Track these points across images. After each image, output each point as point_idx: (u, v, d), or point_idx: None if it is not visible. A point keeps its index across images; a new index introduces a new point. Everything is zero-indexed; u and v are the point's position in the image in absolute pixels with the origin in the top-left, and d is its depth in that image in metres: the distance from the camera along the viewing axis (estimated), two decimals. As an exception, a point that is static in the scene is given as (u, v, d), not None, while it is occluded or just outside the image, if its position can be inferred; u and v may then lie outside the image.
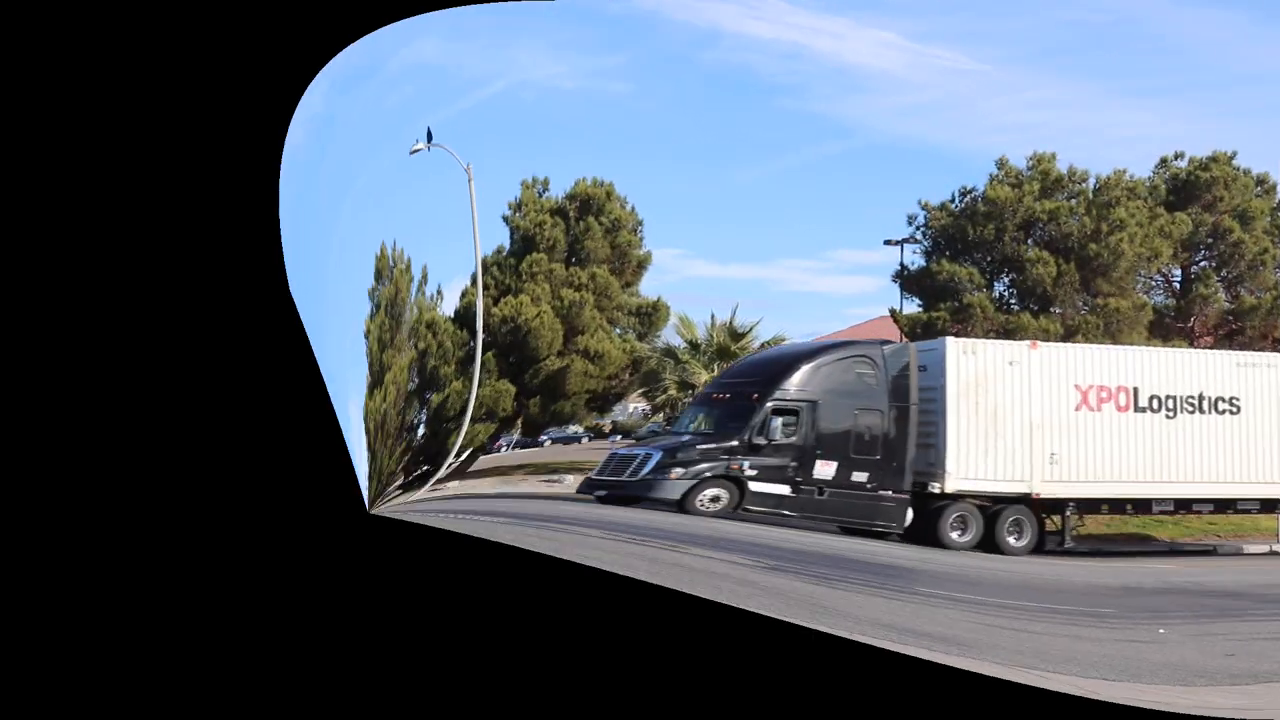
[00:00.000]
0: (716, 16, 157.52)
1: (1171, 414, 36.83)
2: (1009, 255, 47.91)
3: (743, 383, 34.63)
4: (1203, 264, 50.83)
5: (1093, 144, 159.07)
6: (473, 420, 45.61)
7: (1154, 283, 51.59)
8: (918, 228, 50.63)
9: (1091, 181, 49.37)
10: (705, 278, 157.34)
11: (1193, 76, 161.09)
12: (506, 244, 49.73)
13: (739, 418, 33.41)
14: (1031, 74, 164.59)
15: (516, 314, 45.67)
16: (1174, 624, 18.39)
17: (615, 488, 31.13)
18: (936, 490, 34.38)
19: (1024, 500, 35.14)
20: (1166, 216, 48.32)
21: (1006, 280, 49.03)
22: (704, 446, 32.81)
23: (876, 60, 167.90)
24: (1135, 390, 36.63)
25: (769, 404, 33.07)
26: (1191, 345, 48.69)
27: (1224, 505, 38.23)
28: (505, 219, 50.09)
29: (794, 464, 32.85)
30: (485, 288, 44.91)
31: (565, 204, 49.45)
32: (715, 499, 31.88)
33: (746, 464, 32.13)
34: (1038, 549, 35.29)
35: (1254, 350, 50.91)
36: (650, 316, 49.57)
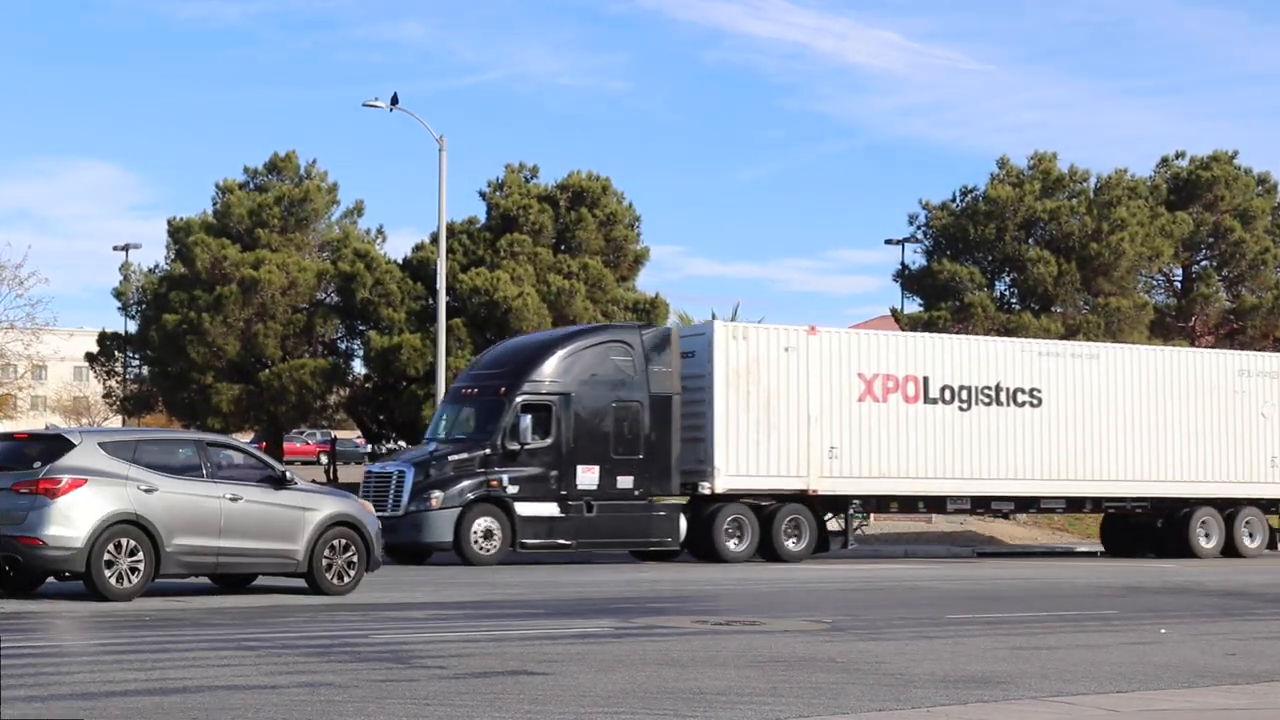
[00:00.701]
0: (719, 16, 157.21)
1: (965, 405, 34.12)
2: (1010, 254, 47.93)
3: (490, 375, 31.40)
4: (1204, 263, 50.86)
5: (1094, 143, 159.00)
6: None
7: (1155, 282, 51.62)
8: (919, 227, 50.68)
9: (1092, 181, 49.41)
10: (706, 276, 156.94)
11: (1194, 76, 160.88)
12: (482, 217, 49.82)
13: (488, 418, 30.40)
14: (1033, 74, 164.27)
15: (492, 287, 45.55)
16: (1175, 624, 18.42)
17: (391, 529, 27.65)
18: (707, 491, 31.83)
19: (801, 498, 32.70)
20: (1167, 216, 48.35)
21: (1007, 279, 49.05)
22: (456, 458, 29.93)
23: (878, 60, 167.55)
24: (925, 380, 33.89)
25: (518, 399, 30.20)
26: (1193, 344, 48.78)
27: (1026, 504, 36.13)
28: (482, 195, 50.17)
29: (554, 473, 30.18)
30: (451, 251, 44.71)
31: (556, 193, 49.49)
32: (489, 534, 29.35)
33: (505, 478, 29.66)
34: (819, 550, 32.93)
35: (1254, 350, 51.12)
36: (649, 313, 49.55)
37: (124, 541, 18.62)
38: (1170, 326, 49.54)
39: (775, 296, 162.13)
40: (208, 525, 19.28)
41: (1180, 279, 51.39)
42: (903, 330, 51.47)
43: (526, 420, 29.97)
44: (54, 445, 19.19)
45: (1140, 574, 29.93)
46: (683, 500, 31.72)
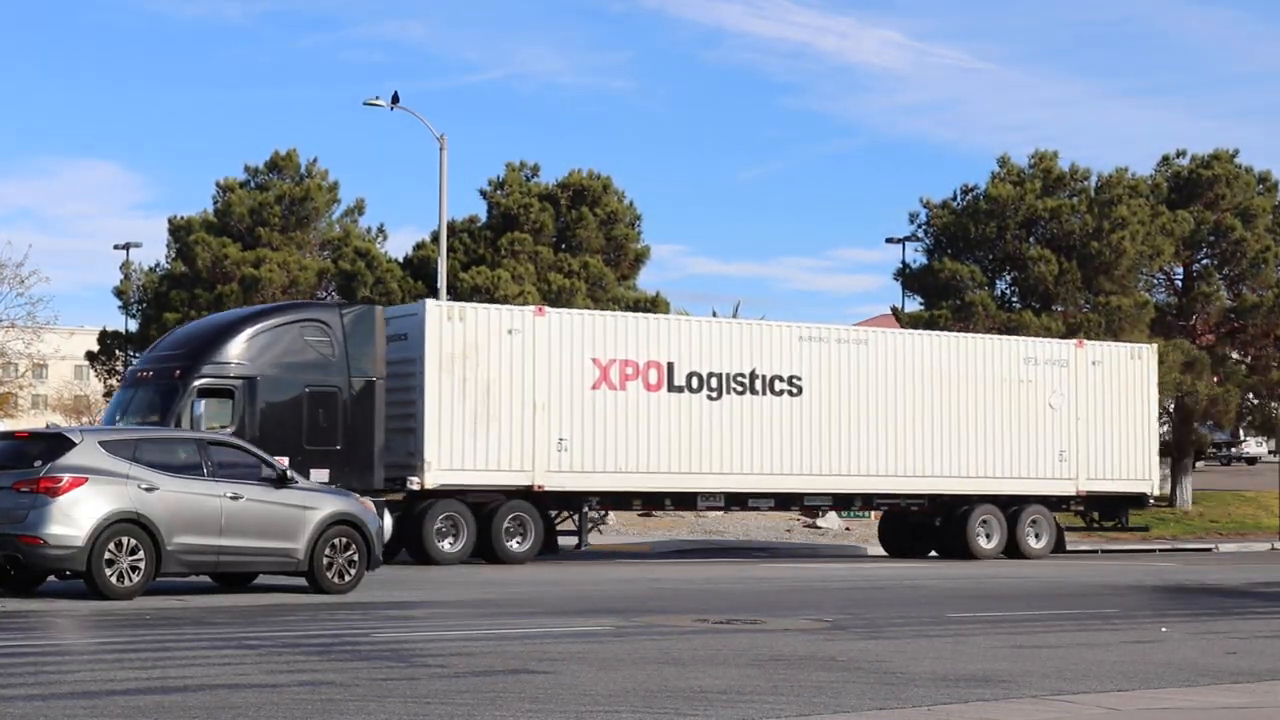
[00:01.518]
0: (721, 15, 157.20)
1: (715, 394, 31.45)
2: (1011, 253, 47.91)
3: (168, 357, 28.03)
4: (1204, 262, 50.82)
5: (1095, 142, 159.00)
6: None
7: (1156, 281, 51.56)
8: (919, 226, 50.63)
9: (1093, 179, 49.37)
10: (708, 275, 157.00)
11: (1195, 75, 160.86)
12: (483, 215, 49.81)
13: (162, 404, 27.01)
14: (1034, 73, 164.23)
15: (493, 286, 45.53)
16: (1176, 622, 18.41)
17: None
18: (417, 486, 29.11)
19: (525, 494, 29.95)
20: (1168, 214, 48.31)
21: (1008, 278, 49.01)
22: None
23: (880, 59, 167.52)
24: (670, 366, 31.11)
25: (195, 383, 26.89)
26: (1193, 343, 48.73)
27: (788, 500, 33.51)
28: (483, 193, 50.15)
29: None
30: (451, 250, 44.57)
31: (557, 191, 49.48)
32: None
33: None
34: (546, 551, 30.35)
35: (1254, 349, 51.09)
36: (649, 312, 49.51)
37: (125, 540, 18.64)
38: (1171, 325, 49.51)
39: (777, 295, 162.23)
40: (208, 524, 19.30)
41: (1181, 278, 51.35)
42: (903, 329, 51.52)
43: (203, 406, 26.75)
44: (55, 444, 19.19)
45: (1141, 573, 29.93)
46: (397, 496, 28.97)
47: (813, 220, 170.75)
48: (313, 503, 20.37)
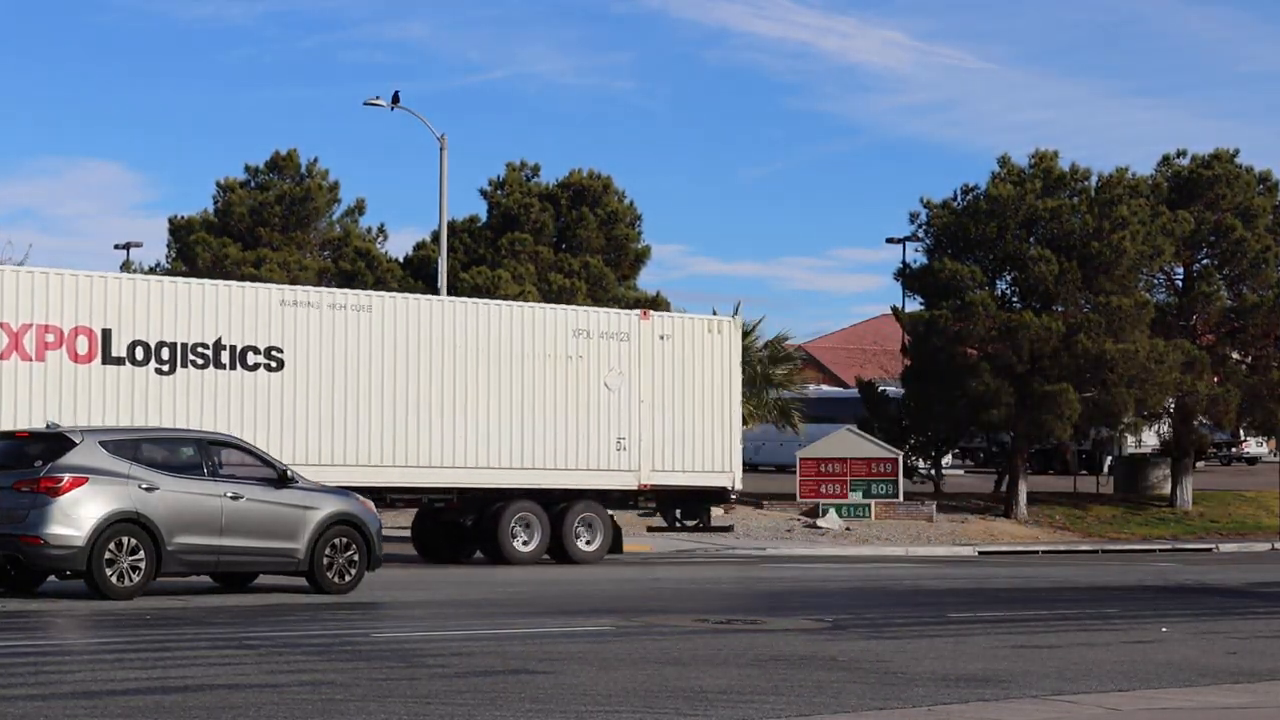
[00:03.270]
0: (723, 16, 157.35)
1: (167, 367, 26.73)
2: (1011, 253, 47.86)
3: None
4: (1205, 262, 50.77)
5: (1097, 142, 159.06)
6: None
7: (1156, 280, 51.52)
8: (920, 225, 50.58)
9: (1094, 179, 49.34)
10: (710, 275, 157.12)
11: (1196, 76, 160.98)
12: (483, 215, 49.82)
13: None
14: (1036, 73, 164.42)
15: (493, 286, 45.54)
16: (1176, 622, 18.41)
17: None
18: None
19: None
20: (1169, 214, 48.26)
21: (1008, 278, 48.95)
22: None
23: (882, 59, 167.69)
24: (106, 333, 26.39)
25: None
26: (1194, 343, 48.69)
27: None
28: (483, 193, 50.14)
29: None
30: (452, 250, 44.51)
31: (557, 191, 49.47)
32: None
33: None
34: None
35: (1254, 349, 51.05)
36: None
37: (125, 540, 18.66)
38: (1171, 325, 49.47)
39: (778, 295, 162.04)
40: (209, 524, 19.30)
41: (1181, 277, 51.29)
42: (903, 331, 51.47)
43: None
44: (55, 444, 19.17)
45: (1141, 572, 29.92)
46: None
47: (814, 220, 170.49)
48: (313, 502, 20.39)
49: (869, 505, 43.69)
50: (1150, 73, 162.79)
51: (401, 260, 49.84)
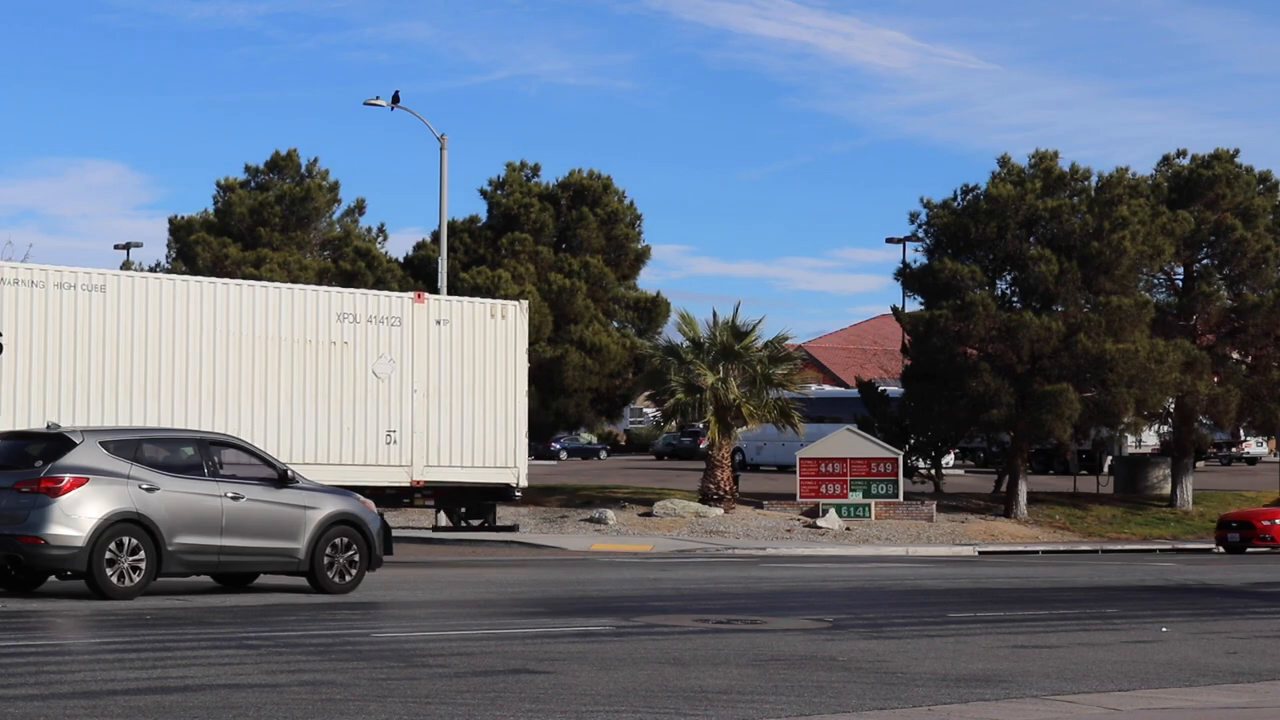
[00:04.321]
0: (725, 16, 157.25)
1: None
2: (1011, 253, 47.88)
3: None
4: (1205, 261, 50.80)
5: (1098, 143, 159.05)
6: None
7: (1156, 280, 51.55)
8: (920, 225, 50.62)
9: (1094, 179, 49.36)
10: (711, 275, 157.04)
11: (1197, 76, 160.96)
12: (484, 215, 49.84)
13: None
14: (1038, 73, 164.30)
15: (493, 286, 45.60)
16: (1176, 622, 18.41)
17: None
18: None
19: None
20: (1169, 214, 48.28)
21: (1009, 278, 48.98)
22: None
23: (884, 60, 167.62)
24: None
25: None
26: (1194, 343, 48.69)
27: None
28: (483, 193, 50.18)
29: None
30: (452, 249, 44.53)
31: (557, 191, 49.50)
32: None
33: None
34: None
35: (1254, 349, 51.02)
36: (650, 311, 49.51)
37: (125, 540, 18.71)
38: (1171, 325, 49.49)
39: (779, 295, 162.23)
40: (209, 524, 19.37)
41: (1181, 277, 51.33)
42: (903, 331, 51.48)
43: None
44: (56, 444, 19.22)
45: (1141, 572, 29.94)
46: None
47: (816, 220, 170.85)
48: (313, 502, 20.44)
49: (869, 505, 43.72)
50: (1151, 73, 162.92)
51: (402, 260, 49.86)
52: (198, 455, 19.84)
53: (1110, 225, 46.57)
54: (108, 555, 18.61)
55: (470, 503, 30.33)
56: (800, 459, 44.58)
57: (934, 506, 45.10)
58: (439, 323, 29.12)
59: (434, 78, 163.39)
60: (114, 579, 18.64)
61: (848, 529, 42.42)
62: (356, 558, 20.57)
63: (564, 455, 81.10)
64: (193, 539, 19.23)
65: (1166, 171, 51.35)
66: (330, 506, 20.59)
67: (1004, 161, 49.67)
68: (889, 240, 58.66)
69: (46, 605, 18.13)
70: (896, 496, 44.17)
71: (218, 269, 48.66)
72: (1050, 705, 11.25)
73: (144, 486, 18.97)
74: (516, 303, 31.07)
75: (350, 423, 28.02)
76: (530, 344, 46.35)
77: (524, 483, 30.28)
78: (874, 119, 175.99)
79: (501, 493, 30.18)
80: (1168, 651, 14.98)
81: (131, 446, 19.42)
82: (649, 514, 42.59)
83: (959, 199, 49.57)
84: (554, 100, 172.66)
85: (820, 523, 42.44)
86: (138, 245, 62.28)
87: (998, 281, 49.03)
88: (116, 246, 63.67)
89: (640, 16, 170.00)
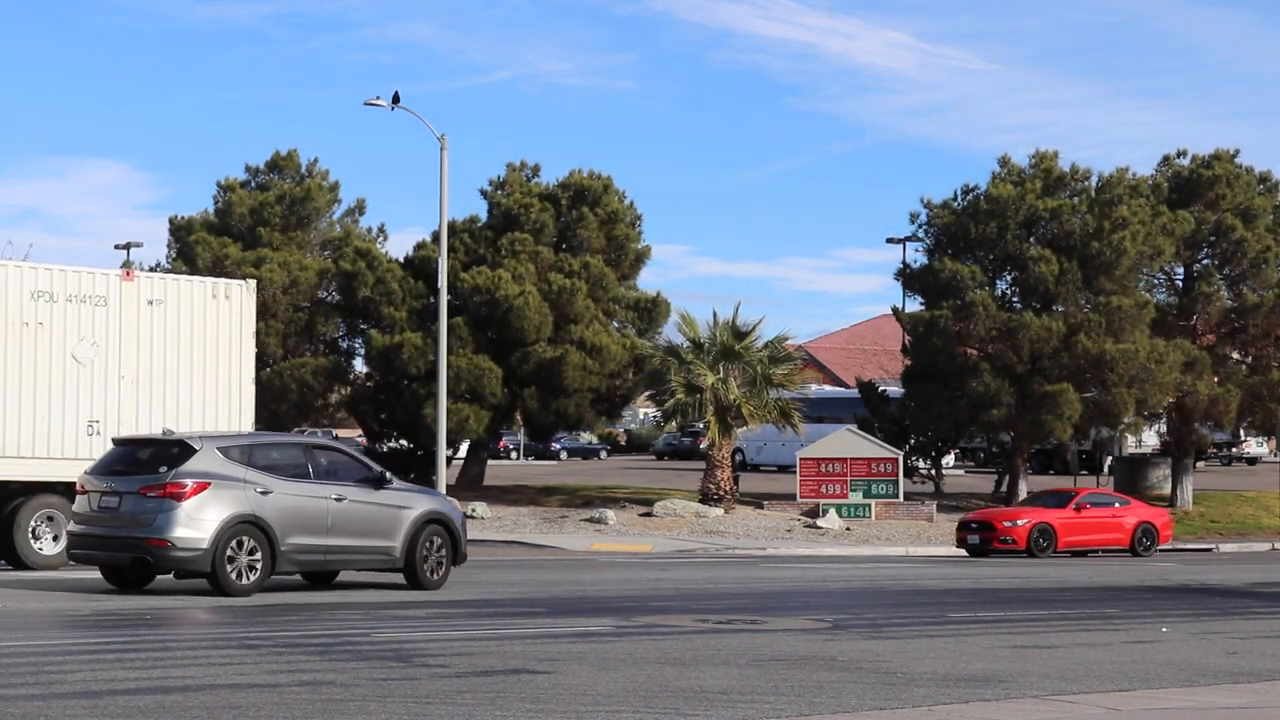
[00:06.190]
0: (728, 17, 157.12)
1: None
2: (1011, 253, 47.88)
3: None
4: (1205, 262, 50.78)
5: (1098, 143, 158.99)
6: (454, 396, 45.29)
7: (1156, 280, 51.55)
8: (920, 226, 50.62)
9: (1094, 179, 49.36)
10: (713, 275, 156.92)
11: (1197, 77, 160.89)
12: (484, 215, 49.84)
13: None
14: (1039, 74, 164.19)
15: (493, 286, 45.57)
16: (1176, 623, 18.40)
17: None
18: None
19: None
20: (1169, 214, 48.27)
21: (1009, 278, 48.98)
22: None
23: (886, 60, 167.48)
24: None
25: None
26: (1194, 343, 48.69)
27: None
28: (483, 193, 50.17)
29: None
30: (452, 250, 44.55)
31: (557, 191, 49.48)
32: None
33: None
34: None
35: (1255, 349, 51.01)
36: (650, 312, 49.48)
37: (243, 541, 19.64)
38: (1172, 325, 49.48)
39: (780, 295, 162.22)
40: (317, 524, 20.36)
41: (1182, 277, 51.33)
42: (903, 331, 51.46)
43: None
44: (177, 450, 19.99)
45: (1141, 572, 29.93)
46: None
47: (817, 221, 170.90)
48: (408, 502, 21.46)
49: (869, 505, 43.72)
50: (1151, 74, 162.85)
51: (402, 260, 49.85)
52: (303, 458, 20.75)
53: (1110, 225, 46.56)
54: (228, 555, 19.46)
55: None
56: (800, 459, 44.57)
57: (934, 507, 45.09)
58: (152, 303, 26.46)
59: (436, 78, 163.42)
60: (234, 577, 19.50)
61: (848, 529, 42.42)
62: (444, 554, 21.60)
63: (564, 455, 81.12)
64: (302, 539, 20.16)
65: (1167, 172, 51.34)
66: (423, 506, 21.59)
67: (1004, 162, 49.68)
68: (889, 240, 58.65)
69: (46, 605, 18.14)
70: (897, 497, 44.17)
71: (218, 269, 48.67)
72: (1050, 705, 11.25)
73: (259, 490, 19.83)
74: (242, 283, 28.19)
75: (46, 412, 25.28)
76: (530, 344, 46.52)
77: None
78: (876, 119, 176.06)
79: None
80: (1168, 652, 14.98)
81: (245, 451, 20.29)
82: (649, 514, 42.59)
83: (959, 199, 49.58)
84: (556, 100, 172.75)
85: (820, 523, 42.44)
86: (138, 245, 62.26)
87: (998, 282, 49.03)
88: (116, 246, 63.66)
89: (642, 17, 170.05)
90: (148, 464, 19.95)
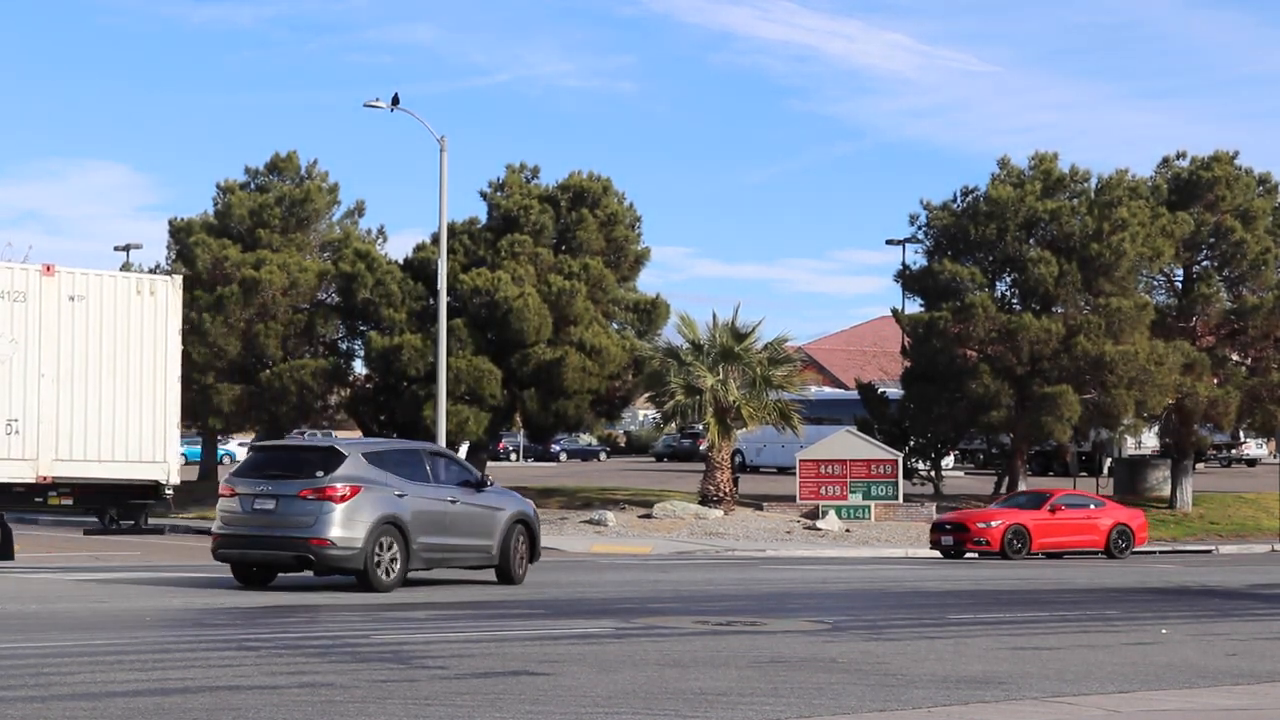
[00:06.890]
0: (728, 19, 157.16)
1: None
2: (1011, 255, 47.90)
3: None
4: (1205, 263, 50.81)
5: (1098, 144, 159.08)
6: (454, 398, 45.27)
7: (1156, 282, 51.56)
8: (920, 227, 50.64)
9: (1094, 181, 49.37)
10: (713, 277, 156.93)
11: (1197, 78, 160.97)
12: (483, 217, 49.86)
13: None
14: (1040, 75, 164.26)
15: (493, 288, 45.58)
16: (1176, 624, 18.40)
17: None
18: None
19: None
20: (1168, 216, 48.29)
21: (1008, 280, 49.00)
22: None
23: (887, 62, 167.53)
24: None
25: None
26: (1194, 345, 48.71)
27: None
28: (483, 195, 50.19)
29: None
30: (452, 251, 44.57)
31: (557, 193, 49.49)
32: None
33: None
34: None
35: (1254, 351, 51.03)
36: (649, 313, 49.48)
37: (386, 540, 20.91)
38: (1171, 327, 49.50)
39: (780, 297, 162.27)
40: (439, 525, 21.76)
41: (1181, 279, 51.35)
42: (903, 332, 51.47)
43: None
44: (328, 456, 21.26)
45: (1141, 574, 29.93)
46: None
47: (817, 222, 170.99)
48: (501, 504, 22.93)
49: (869, 507, 43.72)
50: (1151, 75, 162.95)
51: (401, 262, 49.85)
52: (424, 464, 22.13)
53: (1110, 227, 46.58)
54: (375, 554, 20.73)
55: (120, 503, 26.48)
56: (800, 460, 44.56)
57: (934, 508, 45.08)
58: (73, 299, 25.47)
59: (436, 79, 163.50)
60: (381, 575, 20.78)
61: (847, 531, 42.41)
62: (525, 552, 23.16)
63: (564, 457, 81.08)
64: (429, 539, 21.52)
65: (1166, 173, 51.35)
66: (512, 507, 23.04)
67: (1004, 163, 49.70)
68: (889, 242, 58.65)
69: (45, 606, 18.14)
70: (896, 498, 44.16)
71: (217, 270, 48.71)
72: (1050, 707, 11.25)
73: (397, 493, 21.15)
74: (168, 279, 27.26)
75: None
76: (530, 346, 46.53)
77: (175, 480, 26.59)
78: (876, 121, 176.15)
79: (150, 490, 26.34)
80: (1168, 653, 14.97)
81: (382, 457, 21.63)
82: (649, 516, 42.59)
83: (959, 201, 49.60)
84: (556, 102, 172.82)
85: (820, 524, 42.44)
86: (137, 246, 62.26)
87: (997, 283, 49.05)
88: (116, 248, 63.66)
89: (643, 19, 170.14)
90: (306, 468, 21.05)
